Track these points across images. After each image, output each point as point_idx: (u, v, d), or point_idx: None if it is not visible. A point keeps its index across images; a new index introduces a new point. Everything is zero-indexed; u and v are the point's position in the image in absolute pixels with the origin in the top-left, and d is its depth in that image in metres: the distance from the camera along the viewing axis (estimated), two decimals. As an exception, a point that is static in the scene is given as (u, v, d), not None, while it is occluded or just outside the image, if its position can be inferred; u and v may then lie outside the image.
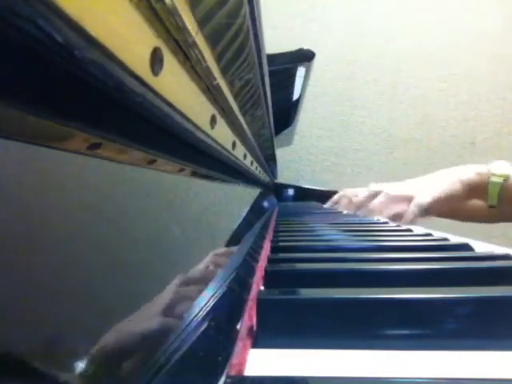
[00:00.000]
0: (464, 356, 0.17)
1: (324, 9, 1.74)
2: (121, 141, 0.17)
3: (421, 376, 0.15)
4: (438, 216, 0.86)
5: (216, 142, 0.30)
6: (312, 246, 0.42)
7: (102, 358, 0.12)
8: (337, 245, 0.42)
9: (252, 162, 0.61)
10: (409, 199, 0.83)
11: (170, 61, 0.17)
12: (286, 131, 1.30)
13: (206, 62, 0.22)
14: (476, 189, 0.82)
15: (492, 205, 0.81)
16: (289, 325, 0.19)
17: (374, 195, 0.89)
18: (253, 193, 0.80)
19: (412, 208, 0.81)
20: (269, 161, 1.00)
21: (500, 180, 0.79)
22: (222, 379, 0.14)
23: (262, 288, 0.26)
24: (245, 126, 0.43)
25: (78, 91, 0.13)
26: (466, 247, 0.38)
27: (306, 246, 0.42)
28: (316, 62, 1.02)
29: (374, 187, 0.92)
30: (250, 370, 0.16)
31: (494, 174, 0.80)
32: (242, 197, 0.65)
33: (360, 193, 0.95)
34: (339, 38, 1.75)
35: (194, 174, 0.32)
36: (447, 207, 0.84)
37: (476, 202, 0.86)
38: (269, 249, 0.40)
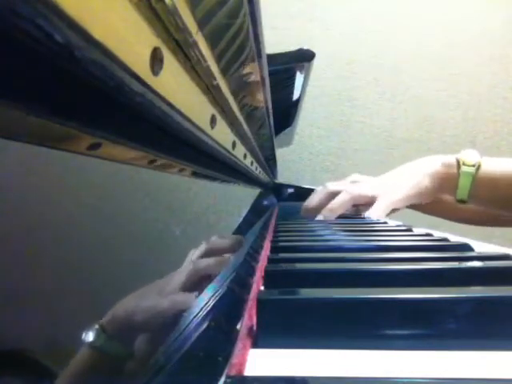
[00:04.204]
0: (464, 356, 0.17)
1: (324, 9, 1.74)
2: (121, 141, 0.17)
3: (421, 376, 0.15)
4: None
5: (216, 142, 0.30)
6: (312, 246, 0.42)
7: (115, 330, 0.12)
8: (337, 245, 0.42)
9: (252, 162, 0.61)
10: (372, 200, 0.75)
11: (170, 61, 0.17)
12: (286, 131, 1.30)
13: (206, 61, 0.22)
14: (445, 182, 0.74)
15: (462, 199, 0.73)
16: (289, 325, 0.19)
17: (332, 195, 0.77)
18: (253, 193, 0.80)
19: (375, 209, 0.73)
20: (269, 161, 1.00)
21: (471, 170, 0.70)
22: (222, 379, 0.14)
23: (262, 288, 0.26)
24: (245, 126, 0.43)
25: (77, 91, 0.13)
26: (465, 247, 0.38)
27: (305, 246, 0.42)
28: (316, 61, 1.02)
29: (331, 187, 0.79)
30: (249, 370, 0.16)
31: (464, 164, 0.71)
32: (242, 197, 0.65)
33: (314, 197, 0.80)
34: (339, 37, 1.76)
35: (194, 174, 0.32)
36: (417, 205, 0.77)
37: (447, 198, 0.78)
38: (269, 249, 0.39)
